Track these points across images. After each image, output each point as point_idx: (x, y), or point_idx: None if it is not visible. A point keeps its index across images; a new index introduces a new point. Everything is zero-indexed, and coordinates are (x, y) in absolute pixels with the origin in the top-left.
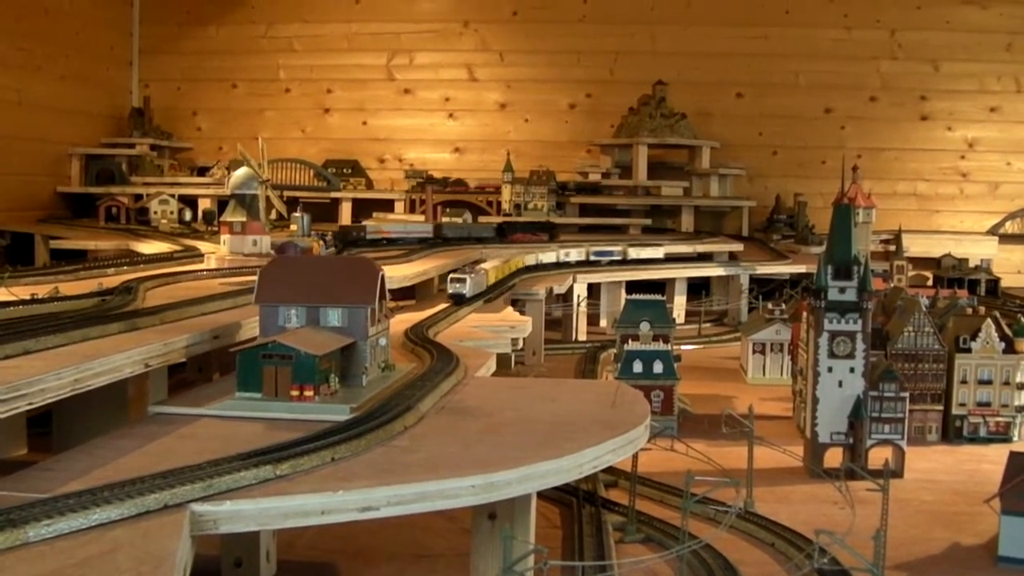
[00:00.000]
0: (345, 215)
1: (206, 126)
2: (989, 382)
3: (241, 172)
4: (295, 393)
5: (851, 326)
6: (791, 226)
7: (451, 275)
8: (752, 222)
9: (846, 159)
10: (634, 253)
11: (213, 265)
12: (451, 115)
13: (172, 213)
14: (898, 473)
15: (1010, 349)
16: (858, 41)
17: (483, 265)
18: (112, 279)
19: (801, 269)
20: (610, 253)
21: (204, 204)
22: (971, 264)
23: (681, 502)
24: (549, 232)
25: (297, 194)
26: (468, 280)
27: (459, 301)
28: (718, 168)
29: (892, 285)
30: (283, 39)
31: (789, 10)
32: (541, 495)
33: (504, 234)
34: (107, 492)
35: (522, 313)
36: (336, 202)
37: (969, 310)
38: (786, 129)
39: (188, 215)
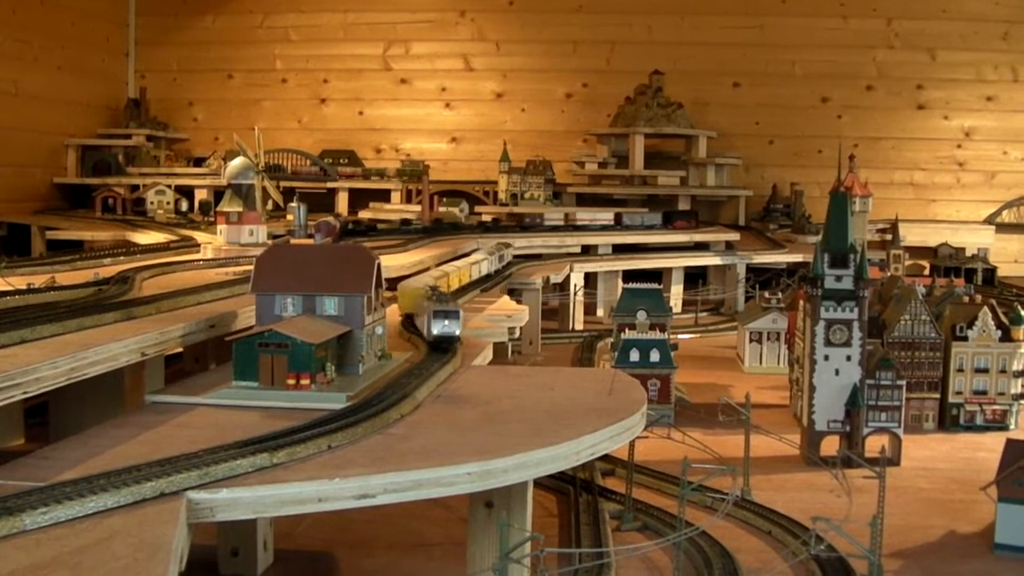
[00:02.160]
0: (342, 205)
1: (202, 117)
2: (986, 370)
3: (237, 162)
4: (291, 382)
5: (847, 314)
6: (788, 215)
7: (435, 309)
8: (749, 211)
9: (843, 148)
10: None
11: (209, 255)
12: (448, 105)
13: (168, 204)
14: (895, 461)
15: (1007, 337)
16: (855, 30)
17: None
18: (108, 269)
19: (798, 258)
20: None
21: (201, 195)
22: (968, 253)
23: (678, 490)
24: (696, 220)
25: (293, 184)
26: (460, 314)
27: (446, 346)
28: (715, 157)
29: (889, 274)
30: (279, 29)
31: None
32: (538, 484)
33: (669, 221)
34: (103, 480)
35: (519, 302)
36: (332, 192)
37: (966, 298)
38: (783, 118)
39: (184, 206)
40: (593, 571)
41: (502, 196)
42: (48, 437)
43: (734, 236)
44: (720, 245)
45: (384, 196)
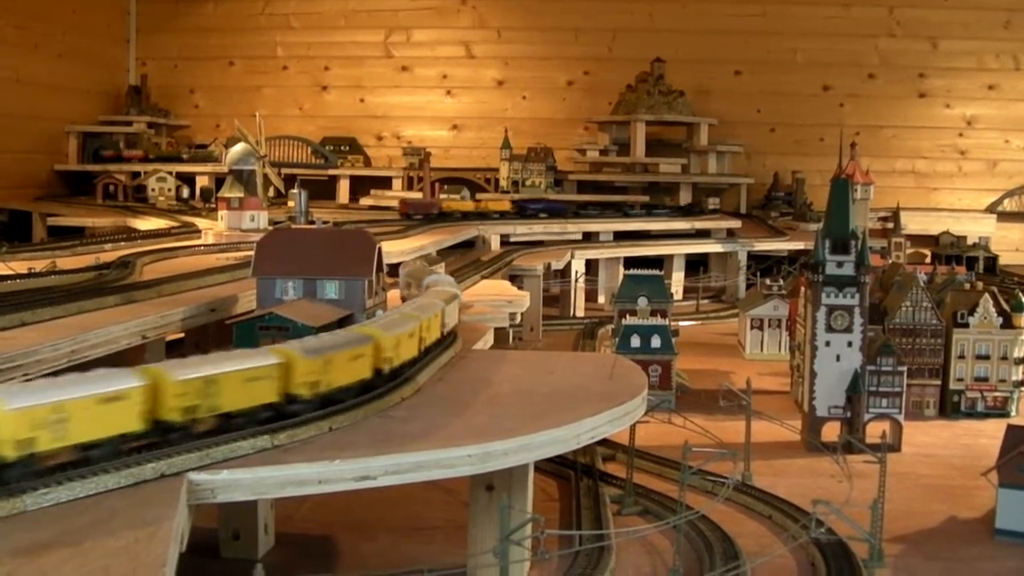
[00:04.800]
0: (343, 192)
1: (203, 104)
2: (987, 357)
3: (238, 148)
4: None
5: (849, 300)
6: (789, 203)
7: None
8: (750, 199)
9: (844, 136)
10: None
11: (211, 240)
12: (449, 92)
13: (170, 190)
14: (895, 447)
15: (1008, 324)
16: (856, 18)
17: None
18: (109, 254)
19: (799, 246)
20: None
21: (202, 182)
22: (969, 242)
23: (679, 474)
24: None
25: (295, 171)
26: None
27: None
28: (716, 145)
29: (890, 262)
30: (280, 16)
31: None
32: (539, 468)
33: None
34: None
35: (520, 288)
36: (334, 179)
37: (967, 285)
38: (784, 106)
39: (186, 192)
40: (594, 554)
41: (503, 183)
42: None
43: (735, 224)
44: (721, 232)
45: (385, 183)
